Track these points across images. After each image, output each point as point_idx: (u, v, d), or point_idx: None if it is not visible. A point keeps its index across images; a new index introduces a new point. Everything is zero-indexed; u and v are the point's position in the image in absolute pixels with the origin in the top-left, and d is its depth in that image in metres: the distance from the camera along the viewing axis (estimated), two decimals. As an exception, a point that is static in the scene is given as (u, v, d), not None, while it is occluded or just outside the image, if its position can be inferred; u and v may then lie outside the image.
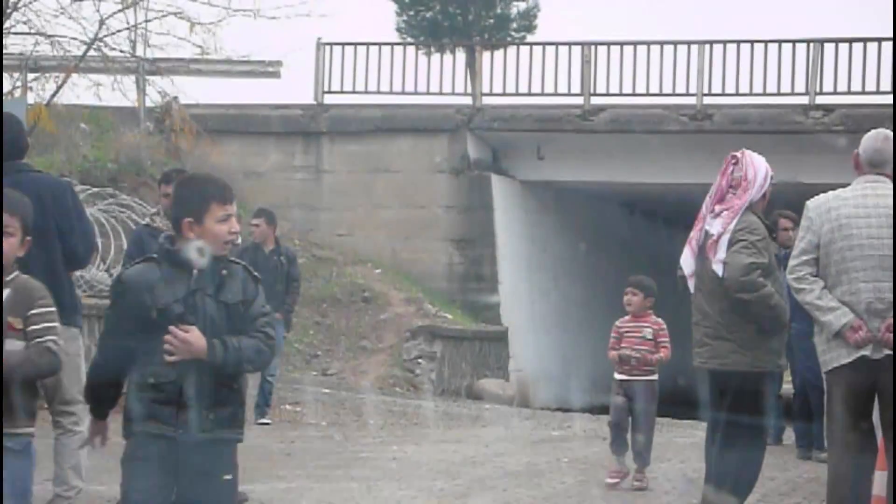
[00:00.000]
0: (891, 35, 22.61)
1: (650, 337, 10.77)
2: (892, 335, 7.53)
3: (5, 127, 8.21)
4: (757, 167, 8.49)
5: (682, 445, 13.92)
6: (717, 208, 8.45)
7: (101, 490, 9.36)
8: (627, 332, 10.85)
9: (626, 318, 10.92)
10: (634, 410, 10.79)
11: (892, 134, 7.99)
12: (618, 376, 10.92)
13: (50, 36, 19.75)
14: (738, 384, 8.27)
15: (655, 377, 10.84)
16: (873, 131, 8.06)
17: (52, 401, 8.42)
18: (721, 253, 8.29)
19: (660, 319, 10.87)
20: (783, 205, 13.40)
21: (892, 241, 7.63)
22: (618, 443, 10.95)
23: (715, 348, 8.31)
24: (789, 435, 14.01)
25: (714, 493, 8.44)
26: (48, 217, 8.01)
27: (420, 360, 20.82)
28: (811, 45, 22.98)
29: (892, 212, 7.68)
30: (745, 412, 8.24)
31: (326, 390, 18.56)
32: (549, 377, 23.56)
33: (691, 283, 8.55)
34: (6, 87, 18.90)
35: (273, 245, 15.49)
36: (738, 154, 8.60)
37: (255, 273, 5.72)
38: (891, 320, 7.55)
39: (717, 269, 8.27)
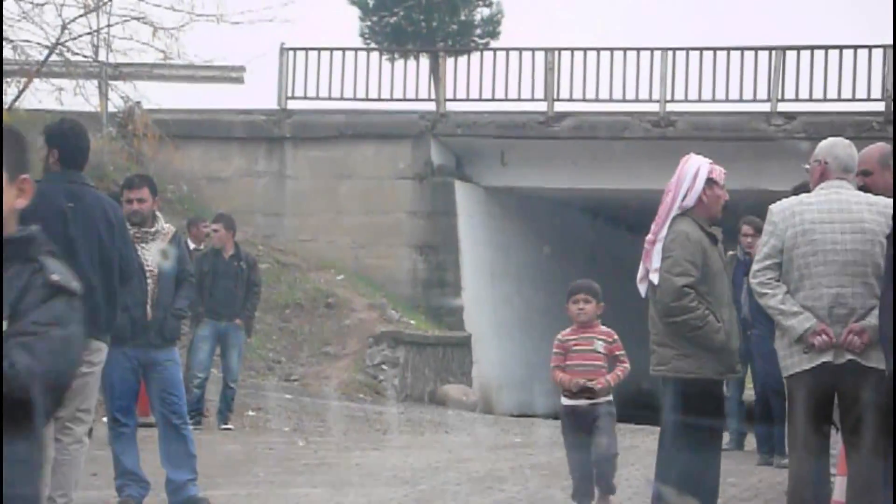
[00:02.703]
0: (851, 42, 22.77)
1: (602, 350, 9.37)
2: (854, 339, 7.56)
3: (79, 138, 8.59)
4: (683, 171, 8.29)
5: (645, 451, 13.95)
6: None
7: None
8: (575, 345, 9.40)
9: (571, 329, 9.50)
10: (597, 438, 9.31)
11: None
12: (568, 402, 9.41)
13: (12, 41, 19.67)
14: (679, 390, 8.23)
15: (611, 397, 9.48)
16: (834, 140, 8.11)
17: (69, 404, 8.25)
18: (655, 262, 8.20)
19: (610, 329, 9.53)
20: (746, 211, 13.47)
21: (855, 246, 7.68)
22: (584, 488, 9.43)
23: (660, 355, 8.26)
24: (751, 440, 14.07)
25: (666, 495, 8.43)
26: (114, 236, 8.38)
27: (383, 366, 20.80)
28: (773, 52, 23.09)
29: (855, 217, 7.73)
30: (686, 417, 8.21)
31: (289, 396, 18.52)
32: (513, 383, 23.58)
33: (641, 288, 8.47)
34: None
35: (233, 250, 15.44)
36: (683, 159, 8.49)
37: (66, 285, 3.70)
38: (853, 325, 7.59)
39: (654, 278, 8.19)
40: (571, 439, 9.38)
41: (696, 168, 8.31)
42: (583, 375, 9.30)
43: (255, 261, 16.18)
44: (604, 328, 9.49)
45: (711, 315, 8.10)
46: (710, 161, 8.42)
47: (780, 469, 11.90)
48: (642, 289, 8.42)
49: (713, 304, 8.16)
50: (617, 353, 9.41)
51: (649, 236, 8.30)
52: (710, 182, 8.29)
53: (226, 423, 15.48)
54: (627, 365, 9.40)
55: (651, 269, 8.22)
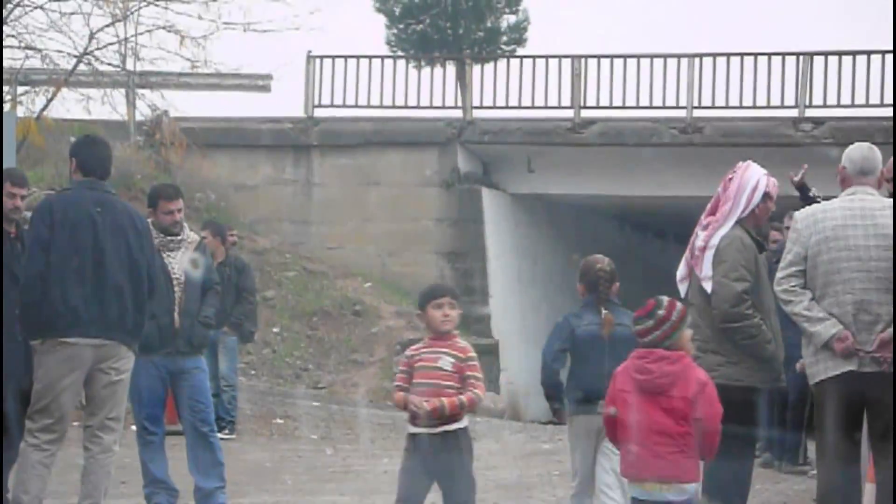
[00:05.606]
0: (879, 48, 22.69)
1: (449, 368, 7.58)
2: (889, 353, 7.49)
3: (97, 147, 8.67)
4: (744, 180, 8.27)
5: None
6: (707, 220, 8.35)
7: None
8: (420, 361, 7.68)
9: (422, 342, 7.86)
10: (442, 482, 7.57)
11: (874, 145, 8.04)
12: (412, 429, 7.63)
13: (40, 50, 19.77)
14: (726, 396, 8.16)
15: (465, 424, 7.62)
16: (854, 144, 8.09)
17: (98, 413, 8.39)
18: (706, 269, 8.14)
19: (467, 345, 7.77)
20: (774, 217, 13.40)
21: (879, 253, 7.64)
22: None
23: (705, 361, 8.18)
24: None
25: (706, 505, 8.39)
26: (143, 244, 8.49)
27: (411, 374, 20.77)
28: (801, 57, 23.02)
29: (878, 223, 7.69)
30: (733, 425, 8.14)
31: (317, 404, 18.54)
32: (540, 390, 23.46)
33: (682, 287, 8.42)
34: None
35: (223, 257, 15.27)
36: (741, 165, 8.46)
37: None
38: (882, 335, 7.52)
39: (706, 286, 8.13)
40: (407, 468, 7.63)
41: (756, 179, 8.28)
42: (424, 396, 7.55)
43: (246, 266, 15.82)
44: (461, 343, 7.74)
45: (764, 324, 8.08)
46: (767, 173, 8.38)
47: (798, 475, 11.95)
48: (682, 288, 8.38)
49: (762, 312, 8.14)
50: (468, 374, 7.59)
51: (699, 242, 8.23)
52: (766, 196, 8.29)
53: (221, 431, 14.83)
54: (479, 392, 7.58)
55: (702, 276, 8.15)
